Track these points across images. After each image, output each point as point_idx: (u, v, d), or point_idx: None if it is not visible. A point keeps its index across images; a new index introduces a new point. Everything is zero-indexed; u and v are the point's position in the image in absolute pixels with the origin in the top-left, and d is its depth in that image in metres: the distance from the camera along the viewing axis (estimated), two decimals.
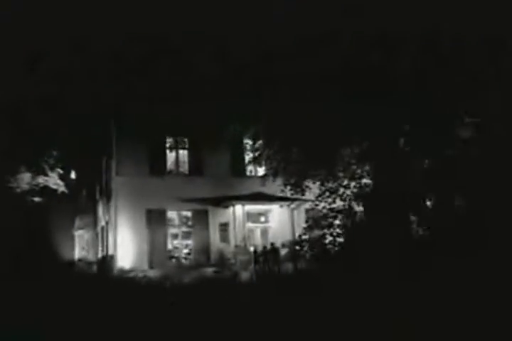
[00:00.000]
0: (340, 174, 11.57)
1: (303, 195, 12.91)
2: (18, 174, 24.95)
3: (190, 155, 22.70)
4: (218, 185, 22.07)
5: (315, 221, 10.81)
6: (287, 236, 22.16)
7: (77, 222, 27.62)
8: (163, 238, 21.22)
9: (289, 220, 22.77)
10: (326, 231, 10.56)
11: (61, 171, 26.15)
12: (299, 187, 12.22)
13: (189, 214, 22.07)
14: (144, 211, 21.06)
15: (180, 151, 22.72)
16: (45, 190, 25.54)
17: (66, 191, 25.93)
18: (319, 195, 11.88)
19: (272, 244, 21.12)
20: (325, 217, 10.78)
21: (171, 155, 22.53)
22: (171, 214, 21.85)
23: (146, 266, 20.35)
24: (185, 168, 22.62)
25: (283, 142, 12.06)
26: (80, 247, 27.06)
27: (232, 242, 21.63)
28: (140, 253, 20.55)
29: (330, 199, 11.77)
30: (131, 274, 18.71)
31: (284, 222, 22.68)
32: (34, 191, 25.24)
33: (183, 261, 21.52)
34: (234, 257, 20.96)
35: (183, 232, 21.93)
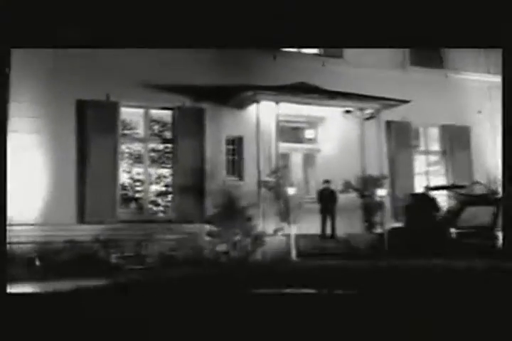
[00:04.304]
0: None
1: None
2: None
3: None
4: (227, 61, 11.26)
5: None
6: (352, 170, 11.55)
7: None
8: (112, 162, 10.46)
9: (357, 140, 12.02)
10: None
11: None
12: None
13: (168, 115, 11.23)
14: (72, 103, 10.28)
15: None
16: None
17: None
18: None
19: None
20: None
21: None
22: (130, 113, 11.00)
23: (72, 218, 9.85)
24: None
25: None
26: None
27: (251, 176, 10.93)
28: (60, 190, 9.93)
29: None
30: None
31: (346, 142, 12.09)
32: None
33: (151, 208, 10.95)
34: (255, 205, 10.30)
35: (154, 152, 11.18)
